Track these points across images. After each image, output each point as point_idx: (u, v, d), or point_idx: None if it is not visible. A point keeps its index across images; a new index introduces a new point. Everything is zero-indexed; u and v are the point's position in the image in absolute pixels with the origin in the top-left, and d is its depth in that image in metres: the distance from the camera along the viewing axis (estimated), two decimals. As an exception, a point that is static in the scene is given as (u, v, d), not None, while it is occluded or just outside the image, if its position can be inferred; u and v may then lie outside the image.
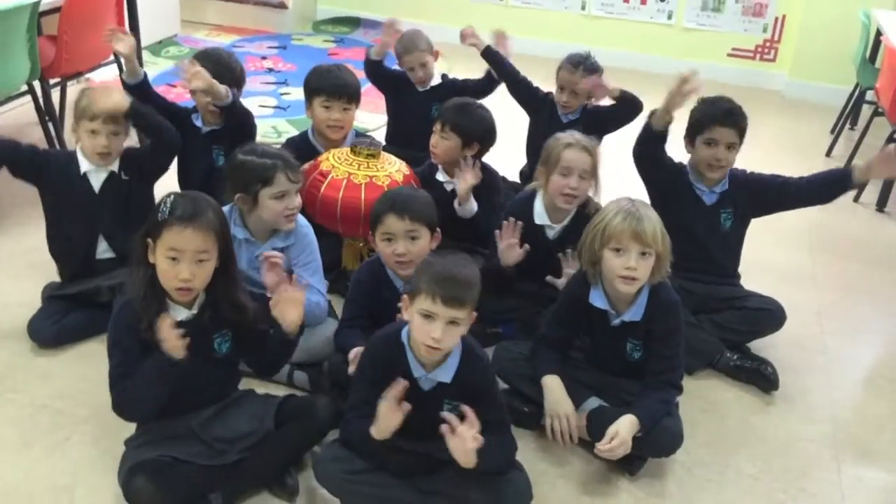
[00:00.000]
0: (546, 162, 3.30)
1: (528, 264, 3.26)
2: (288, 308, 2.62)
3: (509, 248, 3.21)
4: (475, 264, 2.49)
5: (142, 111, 3.36)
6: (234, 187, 3.10)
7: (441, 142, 3.62)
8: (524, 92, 4.30)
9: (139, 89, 3.72)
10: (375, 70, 4.44)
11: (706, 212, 3.50)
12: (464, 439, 2.31)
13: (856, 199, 5.13)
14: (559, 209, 3.31)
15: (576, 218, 3.33)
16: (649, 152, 3.49)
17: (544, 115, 4.21)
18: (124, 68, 3.76)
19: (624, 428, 2.66)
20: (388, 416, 2.37)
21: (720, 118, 3.41)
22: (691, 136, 3.49)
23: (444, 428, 2.33)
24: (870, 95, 5.69)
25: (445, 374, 2.48)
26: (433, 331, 2.34)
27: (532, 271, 3.33)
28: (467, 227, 3.54)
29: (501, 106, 4.29)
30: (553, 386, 2.85)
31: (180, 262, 2.41)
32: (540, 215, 3.36)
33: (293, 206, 3.10)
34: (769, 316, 3.45)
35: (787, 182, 3.52)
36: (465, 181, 3.49)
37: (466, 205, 3.52)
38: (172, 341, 2.37)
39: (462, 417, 2.34)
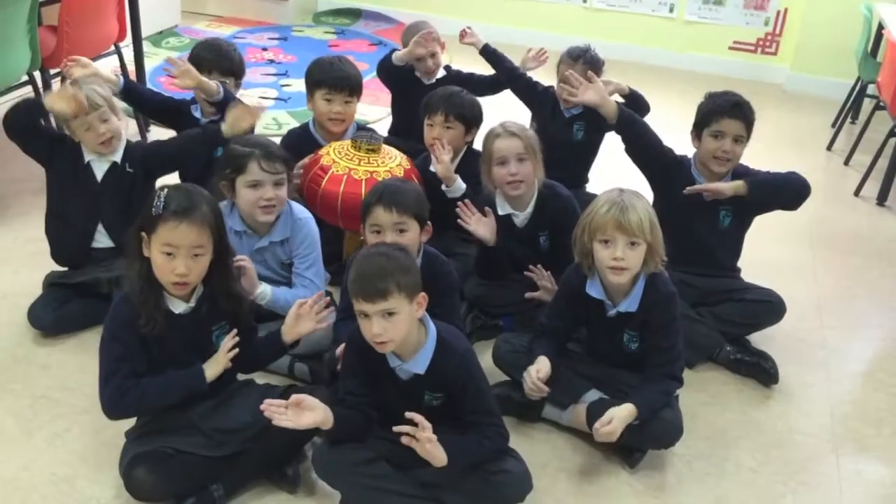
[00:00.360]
0: (484, 158, 3.35)
1: (509, 254, 3.35)
2: (305, 322, 2.70)
3: (477, 222, 3.26)
4: (401, 249, 2.50)
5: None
6: (219, 175, 3.12)
7: (446, 132, 3.62)
8: (524, 88, 4.29)
9: (127, 94, 3.78)
10: (390, 70, 4.34)
11: (705, 208, 3.49)
12: (420, 442, 2.33)
13: (856, 193, 5.14)
14: (514, 198, 3.35)
15: (541, 203, 3.39)
16: (632, 147, 3.54)
17: (546, 110, 4.20)
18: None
19: (619, 416, 2.67)
20: (301, 417, 2.38)
21: (728, 110, 3.40)
22: (698, 129, 3.49)
23: (404, 440, 2.34)
24: (871, 89, 5.70)
25: (419, 366, 2.48)
26: (372, 327, 2.35)
27: (516, 260, 3.39)
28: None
29: (504, 100, 4.29)
30: (540, 359, 2.84)
31: (176, 257, 2.41)
32: (502, 206, 3.39)
33: (267, 196, 3.05)
34: (769, 308, 3.45)
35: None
36: (441, 162, 3.49)
37: (453, 185, 3.53)
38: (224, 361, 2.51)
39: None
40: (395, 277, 2.34)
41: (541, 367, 2.79)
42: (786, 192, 3.42)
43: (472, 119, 3.68)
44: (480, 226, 3.27)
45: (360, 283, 2.35)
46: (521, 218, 3.40)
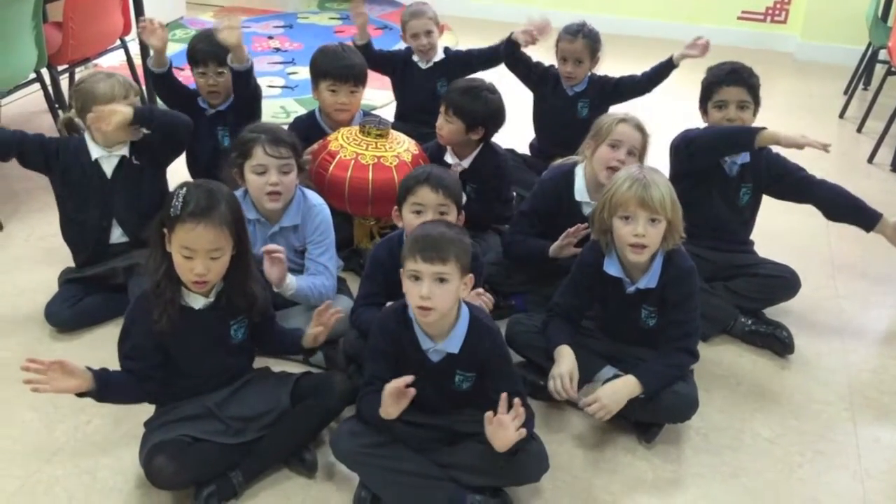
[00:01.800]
0: (596, 135, 3.25)
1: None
2: (324, 332, 2.76)
3: (567, 246, 3.22)
4: (461, 230, 2.56)
5: (148, 114, 3.33)
6: (229, 162, 3.15)
7: (446, 125, 3.59)
8: (523, 68, 4.27)
9: (164, 77, 3.81)
10: (366, 55, 4.15)
11: (727, 184, 3.51)
12: (506, 428, 2.35)
13: (870, 160, 5.13)
14: (601, 186, 3.19)
15: None
16: (711, 158, 3.47)
17: (548, 90, 4.21)
18: (152, 58, 3.80)
19: (610, 393, 2.73)
20: (392, 403, 2.39)
21: (725, 78, 3.42)
22: (703, 104, 3.51)
23: (487, 415, 2.37)
24: (883, 54, 5.65)
25: (453, 345, 2.51)
26: (421, 289, 2.38)
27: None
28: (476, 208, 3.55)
29: (509, 78, 4.30)
30: (564, 353, 2.85)
31: (194, 258, 2.43)
32: (580, 192, 3.32)
33: (272, 181, 3.06)
34: (783, 283, 3.46)
35: (811, 183, 3.52)
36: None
37: None
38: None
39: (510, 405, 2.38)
40: (456, 247, 2.41)
41: (572, 371, 2.79)
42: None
43: (473, 117, 3.54)
44: (565, 248, 3.23)
45: (423, 242, 2.39)
46: (592, 207, 3.19)
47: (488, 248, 3.56)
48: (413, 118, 4.29)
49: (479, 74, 4.03)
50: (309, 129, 3.77)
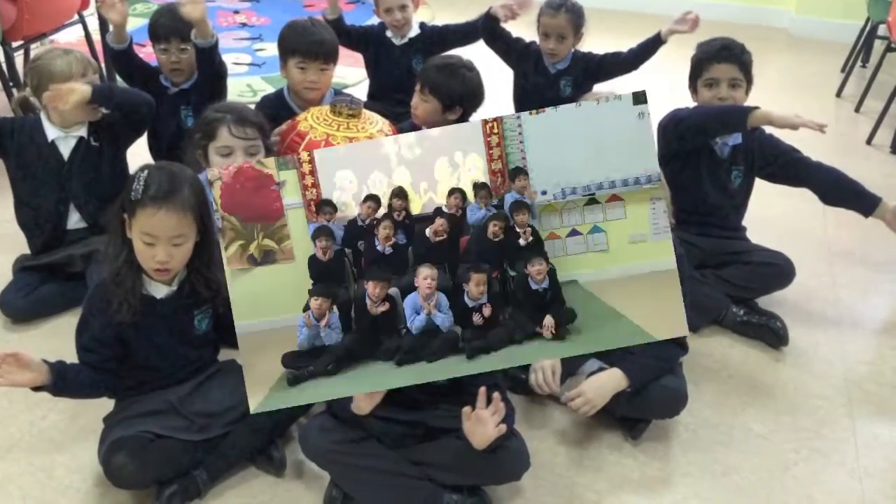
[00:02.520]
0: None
1: None
2: None
3: None
4: None
5: (108, 93, 3.33)
6: (193, 144, 3.13)
7: (421, 104, 3.53)
8: (502, 44, 4.26)
9: (124, 54, 3.78)
10: (337, 30, 4.09)
11: (718, 166, 3.51)
12: (484, 424, 2.35)
13: (868, 142, 5.15)
14: None
15: None
16: (701, 139, 3.46)
17: (529, 67, 4.21)
18: (112, 33, 3.77)
19: (595, 386, 2.72)
20: (365, 398, 2.39)
21: (716, 55, 3.42)
22: (693, 82, 3.51)
23: (465, 410, 2.37)
24: (882, 30, 5.68)
25: None
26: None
27: None
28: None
29: (488, 55, 4.29)
30: None
31: (156, 245, 2.42)
32: None
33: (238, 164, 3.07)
34: (777, 272, 3.47)
35: (806, 166, 3.52)
36: None
37: None
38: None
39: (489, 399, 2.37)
40: None
41: (555, 364, 2.79)
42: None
43: (449, 96, 3.48)
44: None
45: None
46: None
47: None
48: (387, 97, 4.28)
49: (457, 51, 4.02)
50: (277, 109, 3.75)
